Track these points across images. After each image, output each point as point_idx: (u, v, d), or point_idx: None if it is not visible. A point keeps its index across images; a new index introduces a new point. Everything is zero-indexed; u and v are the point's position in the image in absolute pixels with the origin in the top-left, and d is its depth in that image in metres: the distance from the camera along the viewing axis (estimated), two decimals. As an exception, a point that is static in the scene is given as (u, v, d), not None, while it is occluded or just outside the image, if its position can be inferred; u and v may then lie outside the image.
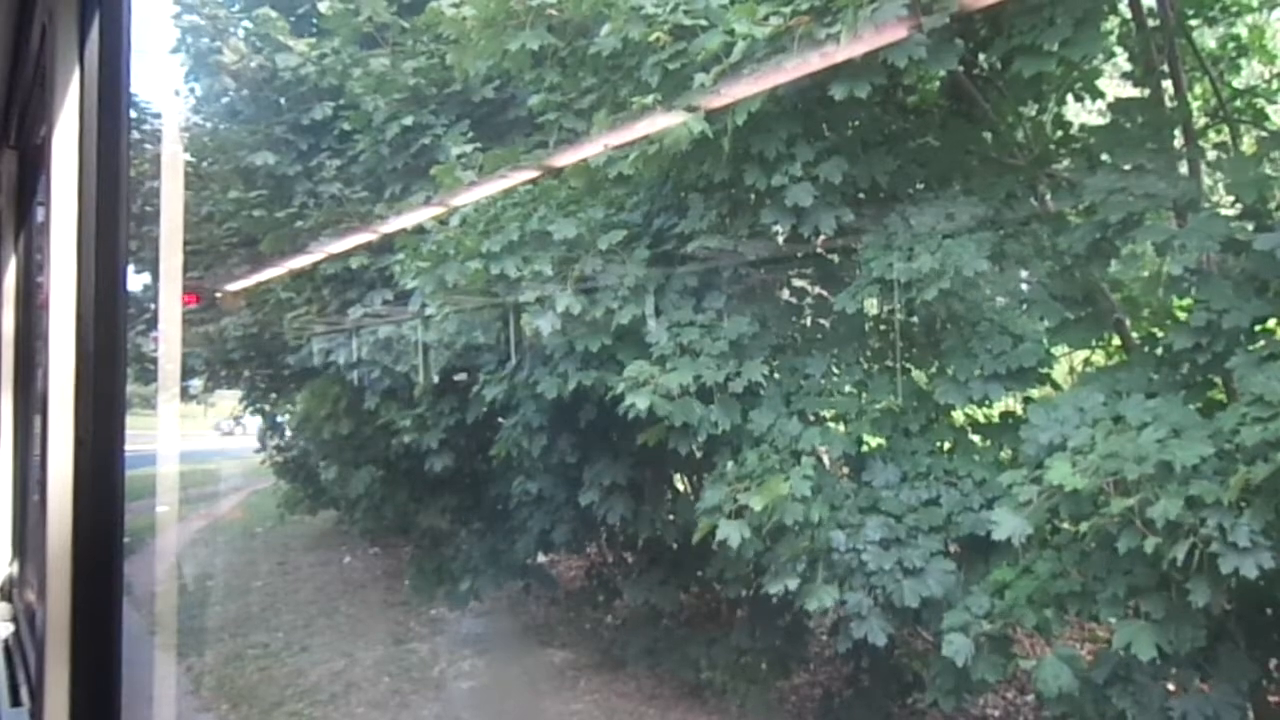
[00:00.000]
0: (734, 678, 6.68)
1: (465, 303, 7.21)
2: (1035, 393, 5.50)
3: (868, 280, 5.28)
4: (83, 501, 1.62)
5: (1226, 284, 4.61)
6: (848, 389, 5.80)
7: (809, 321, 6.79)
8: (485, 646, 8.86)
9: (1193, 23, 6.11)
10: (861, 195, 5.89)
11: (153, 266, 8.80)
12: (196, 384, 13.18)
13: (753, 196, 5.73)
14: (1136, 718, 4.23)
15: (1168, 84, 5.58)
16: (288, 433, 12.94)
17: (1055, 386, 5.76)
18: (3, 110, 3.01)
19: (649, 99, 5.52)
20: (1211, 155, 5.94)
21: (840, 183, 5.39)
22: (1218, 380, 4.90)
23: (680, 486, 7.57)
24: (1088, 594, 4.41)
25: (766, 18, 5.04)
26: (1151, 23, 5.66)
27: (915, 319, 5.82)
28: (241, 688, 7.91)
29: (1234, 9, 6.35)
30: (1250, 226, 4.67)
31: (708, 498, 5.36)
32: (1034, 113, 6.29)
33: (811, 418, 5.73)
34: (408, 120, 8.52)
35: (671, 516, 7.09)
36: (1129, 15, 5.79)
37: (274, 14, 9.64)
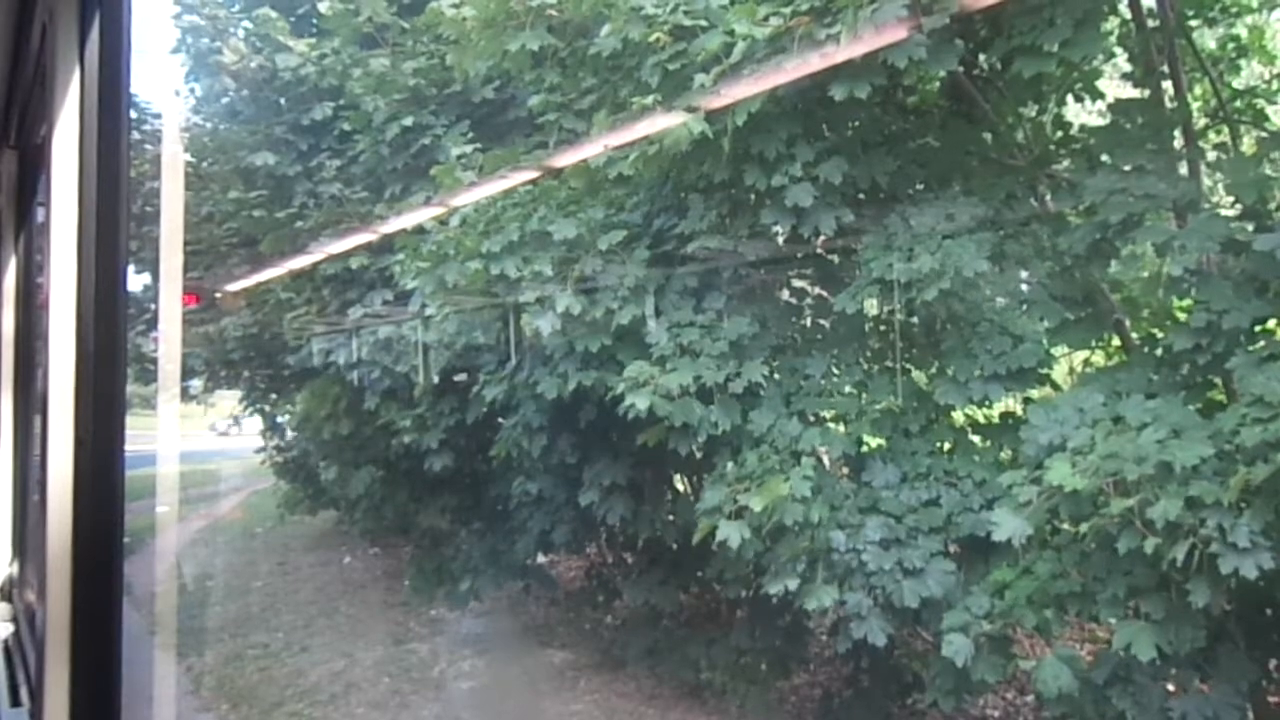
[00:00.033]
0: (734, 678, 6.68)
1: (465, 303, 7.22)
2: (1035, 393, 5.50)
3: (868, 281, 5.28)
4: (83, 501, 1.62)
5: (1226, 285, 4.61)
6: (848, 389, 5.80)
7: (809, 322, 6.79)
8: (485, 647, 8.86)
9: (1193, 23, 6.12)
10: (861, 196, 5.89)
11: (153, 266, 8.81)
12: (196, 384, 13.18)
13: (753, 197, 5.73)
14: (1136, 718, 4.23)
15: (1168, 85, 5.58)
16: (288, 433, 12.94)
17: (1055, 387, 5.76)
18: (3, 110, 3.01)
19: (649, 99, 5.52)
20: (1211, 156, 5.94)
21: (840, 183, 5.39)
22: (1218, 381, 4.90)
23: (680, 487, 7.57)
24: (1088, 594, 4.41)
25: (766, 18, 5.04)
26: (1151, 23, 5.66)
27: (915, 319, 5.82)
28: (241, 688, 7.91)
29: (1234, 10, 6.35)
30: (1250, 227, 4.67)
31: (708, 498, 5.36)
32: (1034, 113, 6.29)
33: (811, 418, 5.74)
34: (408, 120, 8.52)
35: (671, 517, 7.09)
36: (1129, 16, 5.79)
37: (274, 14, 9.64)
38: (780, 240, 6.13)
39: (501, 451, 7.28)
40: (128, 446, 1.62)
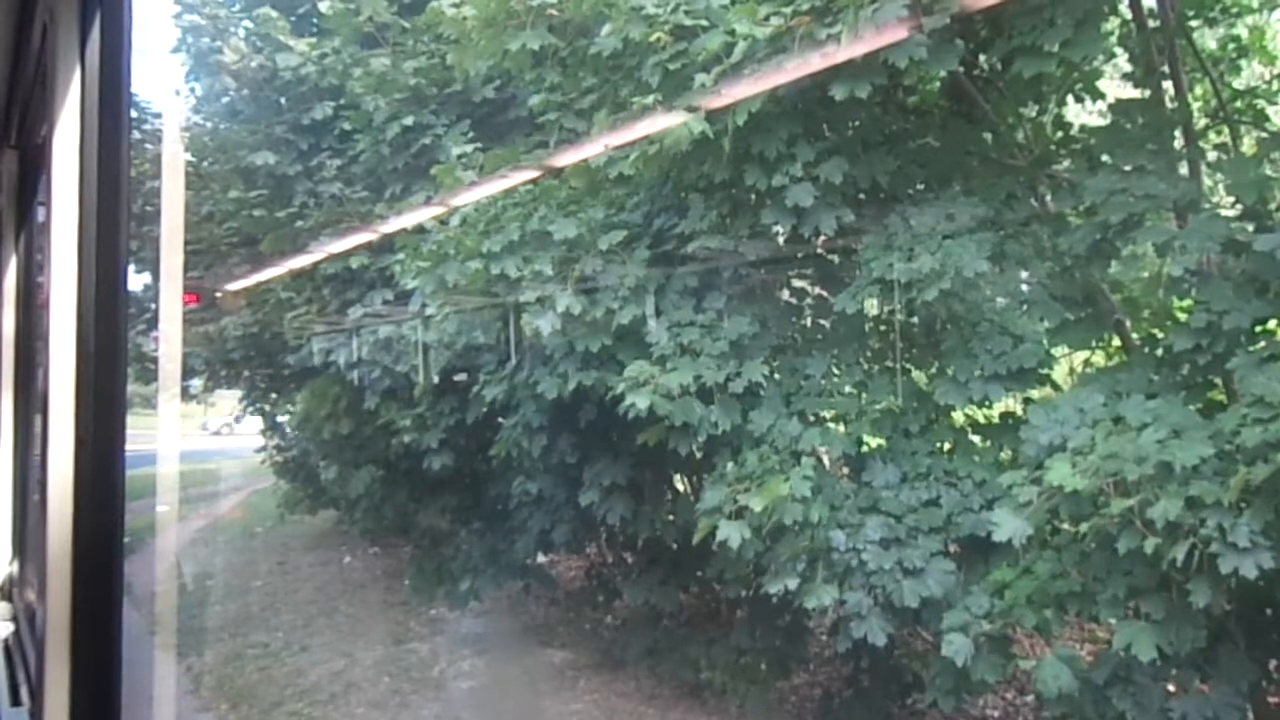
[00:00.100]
0: (734, 678, 6.68)
1: (465, 303, 7.22)
2: (1035, 393, 5.50)
3: (868, 280, 5.28)
4: (83, 501, 1.61)
5: (1227, 285, 4.61)
6: (848, 389, 5.81)
7: (809, 322, 6.79)
8: (485, 646, 8.86)
9: (1193, 24, 6.12)
10: (862, 195, 5.89)
11: (153, 266, 8.82)
12: (197, 384, 13.19)
13: (753, 197, 5.73)
14: (1136, 719, 4.23)
15: (1168, 85, 5.58)
16: (288, 432, 12.94)
17: (1055, 387, 5.76)
18: (3, 110, 3.01)
19: (649, 99, 5.52)
20: (1212, 156, 5.94)
21: (840, 183, 5.39)
22: (1218, 381, 4.90)
23: (680, 487, 7.57)
24: (1088, 594, 4.41)
25: (767, 18, 5.04)
26: (1152, 23, 5.66)
27: (915, 319, 5.82)
28: (241, 687, 7.91)
29: (1234, 10, 6.35)
30: (1250, 227, 4.67)
31: (708, 498, 5.36)
32: (1034, 113, 6.29)
33: (811, 418, 5.74)
34: (408, 120, 8.52)
35: (671, 517, 7.09)
36: (1129, 16, 5.79)
37: (274, 14, 9.65)
38: (780, 240, 6.13)
39: (501, 451, 7.28)
40: (128, 446, 1.62)
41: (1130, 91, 6.23)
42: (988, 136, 6.29)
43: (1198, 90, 6.43)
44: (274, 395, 13.07)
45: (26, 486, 3.03)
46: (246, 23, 10.22)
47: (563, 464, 7.08)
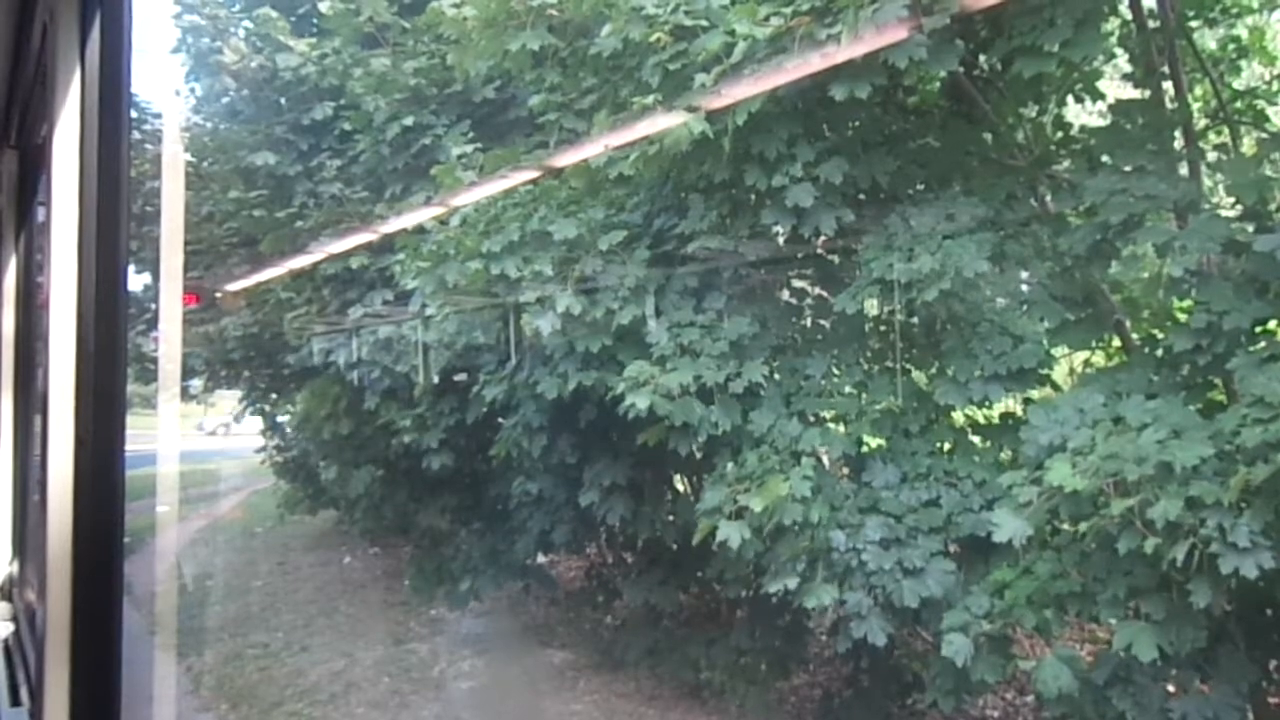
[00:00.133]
0: (733, 678, 6.68)
1: (465, 303, 7.22)
2: (1035, 394, 5.50)
3: (868, 281, 5.28)
4: (83, 501, 1.61)
5: (1227, 285, 4.61)
6: (848, 390, 5.81)
7: (809, 322, 6.79)
8: (485, 647, 8.86)
9: (1193, 24, 6.12)
10: (862, 196, 5.89)
11: (153, 266, 8.82)
12: (197, 384, 13.19)
13: (753, 197, 5.73)
14: (1136, 719, 4.23)
15: (1168, 85, 5.58)
16: (288, 432, 12.94)
17: (1055, 387, 5.76)
18: (3, 110, 3.01)
19: (649, 99, 5.52)
20: (1212, 156, 5.94)
21: (840, 183, 5.39)
22: (1218, 381, 4.90)
23: (680, 487, 7.57)
24: (1088, 595, 4.41)
25: (767, 18, 5.04)
26: (1152, 24, 5.66)
27: (915, 320, 5.82)
28: (241, 687, 7.91)
29: (1234, 10, 6.35)
30: (1250, 228, 4.67)
31: (708, 498, 5.36)
32: (1034, 114, 6.29)
33: (811, 418, 5.74)
34: (408, 120, 8.52)
35: (671, 517, 7.09)
36: (1129, 16, 5.79)
37: (274, 14, 9.65)
38: (780, 240, 6.13)
39: (501, 451, 7.28)
40: (128, 446, 1.62)
41: (1130, 92, 6.23)
42: (988, 137, 6.29)
43: (1198, 91, 6.44)
44: (274, 395, 13.06)
45: (26, 486, 3.03)
46: (246, 23, 10.22)
47: (563, 464, 7.08)
